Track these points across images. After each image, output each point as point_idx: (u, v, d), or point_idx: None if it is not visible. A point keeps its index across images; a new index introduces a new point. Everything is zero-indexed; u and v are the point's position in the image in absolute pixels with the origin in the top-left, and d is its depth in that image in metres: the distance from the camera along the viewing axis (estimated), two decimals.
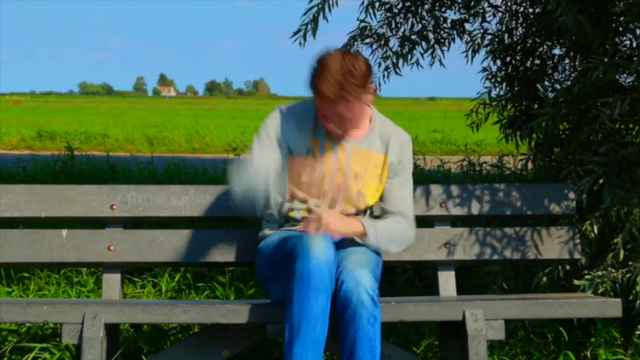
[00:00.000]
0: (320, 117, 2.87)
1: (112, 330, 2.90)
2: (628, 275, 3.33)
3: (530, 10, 4.18)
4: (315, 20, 3.89)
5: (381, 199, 2.97)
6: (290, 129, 2.89)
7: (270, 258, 2.88)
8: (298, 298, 2.58)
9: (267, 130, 2.89)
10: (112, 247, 3.15)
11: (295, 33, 3.86)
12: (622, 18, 3.51)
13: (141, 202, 3.20)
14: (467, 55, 4.26)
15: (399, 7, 4.29)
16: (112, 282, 3.16)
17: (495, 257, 3.26)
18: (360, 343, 2.59)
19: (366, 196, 2.92)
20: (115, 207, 3.19)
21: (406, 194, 2.97)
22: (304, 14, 3.94)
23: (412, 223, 2.96)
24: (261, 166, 2.77)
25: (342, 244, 2.86)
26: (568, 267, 3.49)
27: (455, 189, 3.30)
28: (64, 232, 3.15)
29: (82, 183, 6.51)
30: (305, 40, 3.87)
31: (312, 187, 2.87)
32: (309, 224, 2.74)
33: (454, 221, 3.34)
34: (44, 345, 3.33)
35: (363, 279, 2.61)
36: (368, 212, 2.98)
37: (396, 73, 4.27)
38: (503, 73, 4.21)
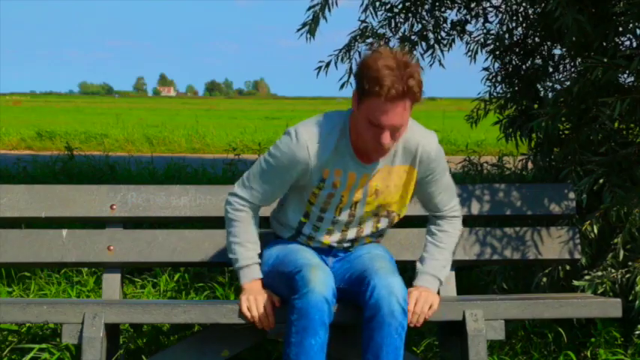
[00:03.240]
0: (362, 136, 2.63)
1: (112, 330, 2.90)
2: (628, 275, 3.33)
3: (530, 10, 4.18)
4: (315, 19, 3.90)
5: (427, 205, 2.92)
6: (305, 161, 2.69)
7: (267, 270, 2.85)
8: (296, 337, 2.59)
9: (274, 168, 2.73)
10: (112, 247, 3.15)
11: (299, 29, 3.89)
12: (622, 18, 3.51)
13: (141, 202, 3.20)
14: (469, 56, 4.27)
15: (399, 7, 4.29)
16: (112, 282, 3.16)
17: (495, 257, 3.26)
18: (387, 352, 2.60)
19: (390, 206, 2.83)
20: (115, 207, 3.18)
21: (450, 193, 2.91)
22: (308, 9, 3.95)
23: (459, 213, 2.95)
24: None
25: (359, 246, 2.90)
26: (568, 267, 3.49)
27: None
28: (64, 232, 3.15)
29: (82, 183, 6.52)
30: (312, 35, 3.89)
31: None
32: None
33: None
34: (44, 345, 3.33)
35: (395, 289, 2.61)
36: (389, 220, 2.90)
37: None
38: (503, 73, 4.21)
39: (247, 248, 2.80)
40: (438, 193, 2.88)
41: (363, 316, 2.64)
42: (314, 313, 2.57)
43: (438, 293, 2.86)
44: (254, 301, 2.71)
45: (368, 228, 2.87)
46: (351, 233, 2.87)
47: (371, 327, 2.62)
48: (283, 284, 2.71)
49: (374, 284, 2.62)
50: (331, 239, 2.86)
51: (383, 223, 2.89)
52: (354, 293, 2.71)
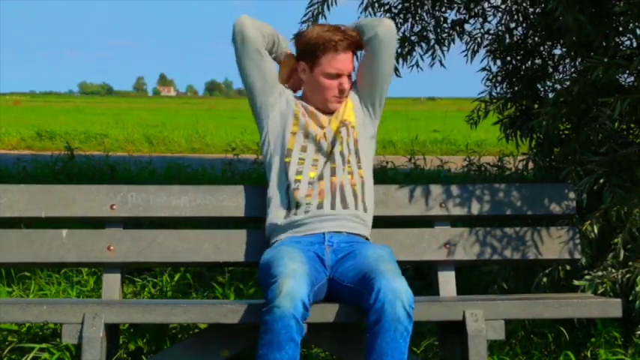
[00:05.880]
0: (323, 93, 3.05)
1: (112, 330, 2.90)
2: (628, 275, 3.33)
3: (531, 10, 4.18)
4: (315, 19, 3.90)
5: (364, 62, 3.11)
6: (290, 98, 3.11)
7: (260, 275, 2.90)
8: (263, 349, 2.60)
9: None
10: (112, 247, 3.15)
11: (296, 33, 3.87)
12: (622, 18, 3.51)
13: (141, 202, 3.20)
14: (467, 55, 4.27)
15: (398, 7, 4.29)
16: (112, 282, 3.16)
17: (495, 257, 3.26)
18: (392, 355, 2.60)
19: (350, 123, 3.07)
20: (115, 207, 3.18)
21: None
22: (305, 15, 3.95)
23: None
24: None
25: (363, 246, 2.92)
26: (568, 267, 3.49)
27: (455, 189, 3.29)
28: (64, 232, 3.15)
29: (82, 183, 6.52)
30: None
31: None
32: None
33: (454, 221, 3.34)
34: (44, 345, 3.33)
35: (401, 293, 2.60)
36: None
37: (396, 74, 4.27)
38: (503, 73, 4.21)
39: None
40: None
41: (367, 319, 2.63)
42: (279, 328, 2.56)
43: None
44: None
45: (337, 148, 3.01)
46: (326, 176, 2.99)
47: (375, 331, 2.61)
48: (267, 289, 2.71)
49: (379, 287, 2.61)
50: (314, 179, 2.97)
51: (355, 160, 3.04)
52: (358, 293, 2.71)
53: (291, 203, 2.99)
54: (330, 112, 3.08)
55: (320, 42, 3.02)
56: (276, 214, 3.01)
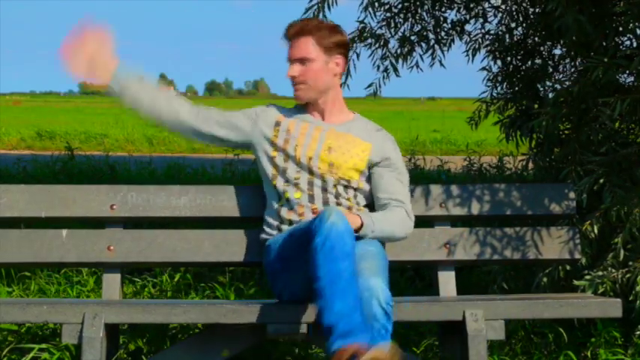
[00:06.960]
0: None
1: (112, 330, 2.90)
2: (628, 275, 3.33)
3: (531, 10, 4.18)
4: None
5: (376, 189, 3.02)
6: (271, 113, 3.06)
7: (278, 252, 2.88)
8: (324, 265, 2.55)
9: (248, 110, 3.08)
10: (112, 247, 3.15)
11: None
12: (622, 18, 3.51)
13: (141, 202, 3.19)
14: (467, 56, 4.27)
15: (398, 7, 4.29)
16: (112, 282, 3.16)
17: (495, 257, 3.26)
18: None
19: (341, 168, 2.96)
20: (115, 207, 3.18)
21: (402, 187, 3.04)
22: (304, 13, 3.95)
23: (410, 212, 3.02)
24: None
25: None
26: (568, 267, 3.49)
27: (455, 189, 3.29)
28: (64, 232, 3.15)
29: (82, 183, 6.51)
30: None
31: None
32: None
33: (454, 221, 3.34)
34: (44, 345, 3.33)
35: (377, 291, 2.58)
36: (355, 194, 3.01)
37: (396, 74, 4.27)
38: (503, 73, 4.21)
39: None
40: (395, 179, 3.01)
41: None
42: (337, 243, 2.55)
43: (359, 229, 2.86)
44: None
45: (331, 193, 2.94)
46: (317, 195, 2.93)
47: None
48: (297, 246, 2.72)
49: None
50: (301, 199, 2.92)
51: (346, 194, 2.97)
52: None
53: (281, 200, 2.98)
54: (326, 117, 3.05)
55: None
56: (269, 211, 3.02)
